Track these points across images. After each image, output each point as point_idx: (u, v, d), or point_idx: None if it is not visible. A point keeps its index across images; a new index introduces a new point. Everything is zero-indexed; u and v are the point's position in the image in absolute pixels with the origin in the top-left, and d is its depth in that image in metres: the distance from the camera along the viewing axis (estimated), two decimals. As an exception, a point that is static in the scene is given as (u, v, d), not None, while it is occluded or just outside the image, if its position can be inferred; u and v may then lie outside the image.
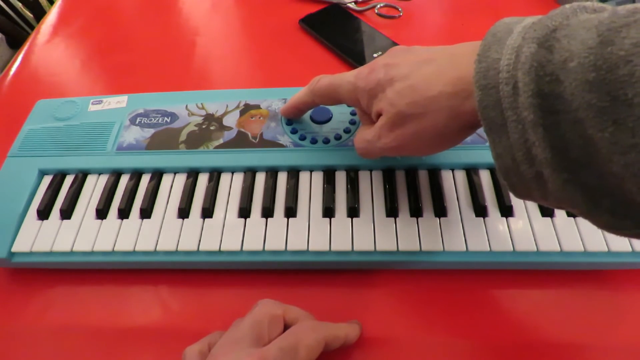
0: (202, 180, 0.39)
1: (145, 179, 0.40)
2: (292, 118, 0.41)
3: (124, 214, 0.37)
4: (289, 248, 0.35)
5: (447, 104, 0.26)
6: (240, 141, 0.41)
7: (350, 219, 0.36)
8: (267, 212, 0.37)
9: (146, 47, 0.59)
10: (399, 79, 0.29)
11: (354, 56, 0.53)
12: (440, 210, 0.36)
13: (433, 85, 0.27)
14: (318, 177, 0.39)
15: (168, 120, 0.43)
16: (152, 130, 0.42)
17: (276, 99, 0.44)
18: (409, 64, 0.29)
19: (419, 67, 0.29)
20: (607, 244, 0.33)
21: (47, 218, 0.38)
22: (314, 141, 0.40)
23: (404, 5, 0.60)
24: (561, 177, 0.21)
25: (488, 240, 0.34)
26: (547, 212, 0.35)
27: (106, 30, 0.63)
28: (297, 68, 0.54)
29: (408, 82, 0.28)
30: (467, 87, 0.25)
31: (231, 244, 0.35)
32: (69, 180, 0.40)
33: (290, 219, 0.36)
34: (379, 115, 0.31)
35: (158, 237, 0.36)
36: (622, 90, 0.18)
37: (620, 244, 0.33)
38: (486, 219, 0.35)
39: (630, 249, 0.33)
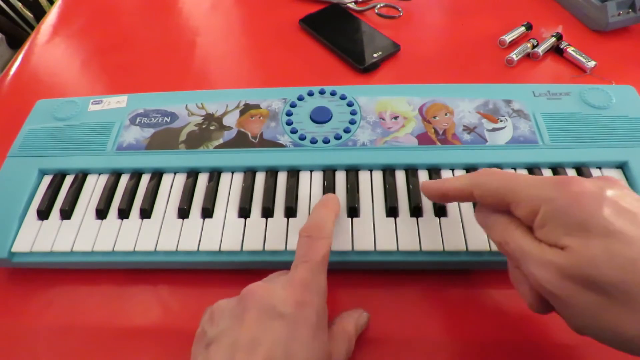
0: (202, 180, 0.39)
1: (145, 179, 0.40)
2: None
3: (124, 214, 0.37)
4: (288, 248, 0.35)
5: None
6: (240, 141, 0.41)
7: (350, 219, 0.36)
8: (267, 212, 0.37)
9: (146, 47, 0.59)
10: None
11: (354, 56, 0.53)
12: (440, 210, 0.36)
13: None
14: (318, 177, 0.39)
15: (168, 120, 0.43)
16: (152, 130, 0.42)
17: (276, 99, 0.44)
18: None
19: None
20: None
21: (47, 218, 0.38)
22: (314, 141, 0.40)
23: (404, 5, 0.60)
24: None
25: (488, 240, 0.34)
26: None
27: (106, 30, 0.63)
28: (297, 68, 0.54)
29: None
30: None
31: (231, 244, 0.35)
32: (69, 180, 0.40)
33: (290, 219, 0.36)
34: (555, 246, 0.24)
35: (158, 237, 0.36)
36: None
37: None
38: (486, 219, 0.35)
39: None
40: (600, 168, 0.38)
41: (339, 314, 0.32)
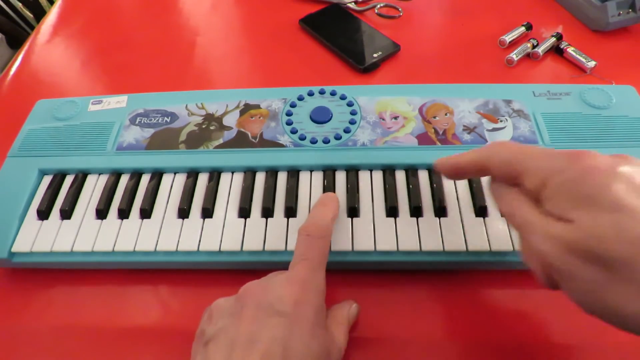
0: (202, 180, 0.39)
1: (145, 179, 0.40)
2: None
3: (124, 214, 0.37)
4: (289, 248, 0.35)
5: None
6: (240, 141, 0.41)
7: (350, 219, 0.36)
8: (267, 212, 0.37)
9: (146, 47, 0.59)
10: None
11: (354, 56, 0.53)
12: (440, 210, 0.36)
13: None
14: (318, 177, 0.39)
15: (168, 120, 0.43)
16: (152, 130, 0.42)
17: (276, 99, 0.44)
18: None
19: None
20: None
21: (47, 218, 0.38)
22: (314, 141, 0.40)
23: (404, 5, 0.60)
24: None
25: (488, 240, 0.34)
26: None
27: (106, 30, 0.63)
28: (297, 68, 0.54)
29: None
30: None
31: (231, 244, 0.35)
32: (69, 180, 0.40)
33: (290, 219, 0.36)
34: (562, 219, 0.23)
35: (158, 237, 0.36)
36: None
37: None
38: (486, 218, 0.35)
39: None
40: (600, 168, 0.38)
41: (330, 307, 0.32)
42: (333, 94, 0.44)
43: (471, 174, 0.32)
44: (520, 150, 0.26)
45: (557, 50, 0.53)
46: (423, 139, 0.40)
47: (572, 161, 0.24)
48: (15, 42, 1.26)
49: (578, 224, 0.22)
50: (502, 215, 0.27)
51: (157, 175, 0.40)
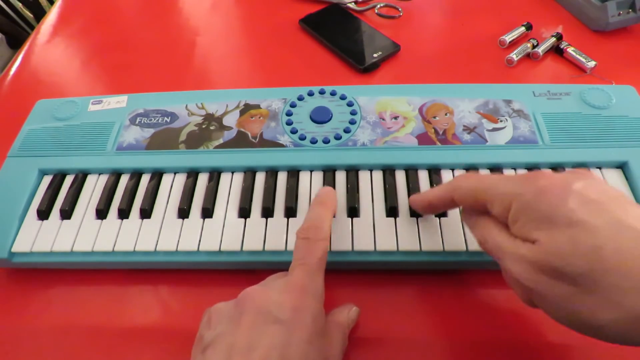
0: (202, 180, 0.39)
1: (145, 179, 0.40)
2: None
3: (124, 214, 0.37)
4: (288, 248, 0.35)
5: None
6: (240, 141, 0.41)
7: (350, 219, 0.36)
8: (267, 212, 0.37)
9: (146, 47, 0.59)
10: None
11: (354, 56, 0.53)
12: (440, 210, 0.36)
13: None
14: (318, 177, 0.39)
15: (168, 120, 0.43)
16: (152, 130, 0.42)
17: (276, 99, 0.44)
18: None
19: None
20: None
21: (47, 218, 0.38)
22: (314, 141, 0.40)
23: (404, 5, 0.60)
24: None
25: (488, 240, 0.34)
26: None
27: (106, 30, 0.63)
28: (297, 68, 0.54)
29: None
30: None
31: (231, 244, 0.35)
32: (69, 180, 0.40)
33: (290, 219, 0.36)
34: (527, 240, 0.24)
35: (158, 237, 0.36)
36: None
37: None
38: (486, 219, 0.35)
39: None
40: (600, 168, 0.38)
41: (330, 312, 0.32)
42: (333, 94, 0.44)
43: (442, 208, 0.33)
44: (481, 181, 0.28)
45: (557, 50, 0.53)
46: (423, 139, 0.40)
47: (528, 184, 0.25)
48: (15, 42, 1.26)
49: (540, 244, 0.23)
50: (478, 242, 0.28)
51: (157, 175, 0.40)
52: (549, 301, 0.24)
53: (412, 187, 0.37)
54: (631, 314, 0.21)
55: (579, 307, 0.22)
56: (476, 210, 0.28)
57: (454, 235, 0.34)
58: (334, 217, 0.36)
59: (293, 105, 0.43)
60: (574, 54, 0.51)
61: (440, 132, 0.40)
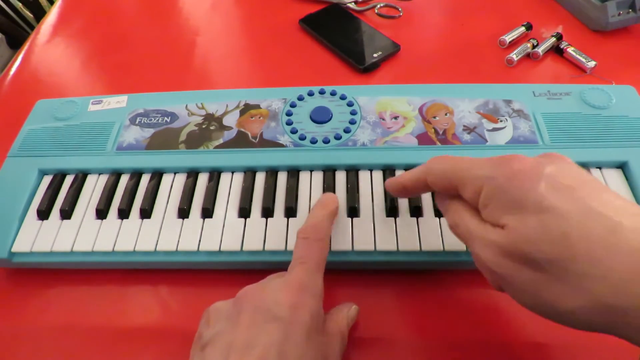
0: (202, 180, 0.39)
1: (145, 179, 0.40)
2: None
3: (124, 214, 0.37)
4: (288, 248, 0.35)
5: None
6: (240, 141, 0.41)
7: (350, 218, 0.36)
8: (267, 212, 0.37)
9: (146, 47, 0.59)
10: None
11: (354, 56, 0.53)
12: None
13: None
14: (318, 177, 0.39)
15: (168, 120, 0.43)
16: (152, 130, 0.42)
17: (276, 99, 0.44)
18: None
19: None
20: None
21: (47, 218, 0.38)
22: (314, 141, 0.40)
23: (404, 5, 0.60)
24: None
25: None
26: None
27: (106, 30, 0.63)
28: (297, 68, 0.54)
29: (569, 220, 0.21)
30: None
31: (231, 244, 0.35)
32: (69, 180, 0.40)
33: (290, 219, 0.36)
34: (497, 225, 0.24)
35: (158, 237, 0.36)
36: None
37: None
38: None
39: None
40: (600, 168, 0.38)
41: (329, 311, 0.32)
42: (333, 94, 0.44)
43: (417, 191, 0.32)
44: (454, 162, 0.27)
45: (557, 50, 0.53)
46: (423, 139, 0.40)
47: (500, 167, 0.24)
48: (15, 42, 1.26)
49: (509, 229, 0.23)
50: (449, 227, 0.28)
51: (157, 175, 0.40)
52: (515, 286, 0.23)
53: (412, 187, 0.37)
54: (597, 301, 0.20)
55: (545, 292, 0.22)
56: (449, 194, 0.28)
57: (454, 235, 0.34)
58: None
59: (293, 105, 0.43)
60: (574, 54, 0.51)
61: (440, 132, 0.40)
